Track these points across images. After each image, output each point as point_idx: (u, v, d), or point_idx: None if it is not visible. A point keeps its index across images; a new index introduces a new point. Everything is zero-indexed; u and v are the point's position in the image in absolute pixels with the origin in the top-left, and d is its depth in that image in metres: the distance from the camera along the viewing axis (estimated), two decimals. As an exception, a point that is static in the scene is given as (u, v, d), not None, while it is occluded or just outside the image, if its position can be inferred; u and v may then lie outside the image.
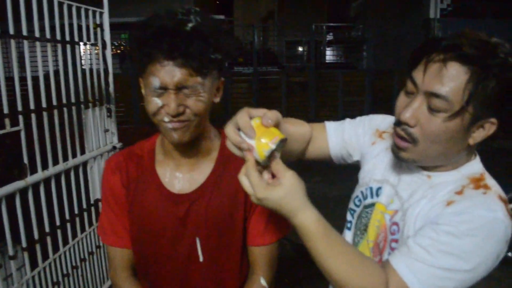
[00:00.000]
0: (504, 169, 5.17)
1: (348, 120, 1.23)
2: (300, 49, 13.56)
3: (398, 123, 0.93)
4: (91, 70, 2.49)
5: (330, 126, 1.21)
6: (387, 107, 1.21)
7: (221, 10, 9.84)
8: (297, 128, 1.13)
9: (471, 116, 0.85)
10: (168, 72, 0.93)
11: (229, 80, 9.59)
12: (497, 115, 0.86)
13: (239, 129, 0.81)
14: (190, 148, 1.10)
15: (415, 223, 0.95)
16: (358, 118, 1.22)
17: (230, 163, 1.13)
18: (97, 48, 2.53)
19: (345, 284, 0.88)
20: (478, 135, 0.89)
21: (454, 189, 0.93)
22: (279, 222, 1.16)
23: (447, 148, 0.90)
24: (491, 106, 0.85)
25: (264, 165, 0.83)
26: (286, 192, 0.82)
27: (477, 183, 0.92)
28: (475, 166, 0.97)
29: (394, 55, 9.13)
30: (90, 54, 2.50)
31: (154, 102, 0.97)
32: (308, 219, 0.85)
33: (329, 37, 13.37)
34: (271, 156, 0.82)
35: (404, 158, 0.95)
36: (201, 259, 1.12)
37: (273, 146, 0.79)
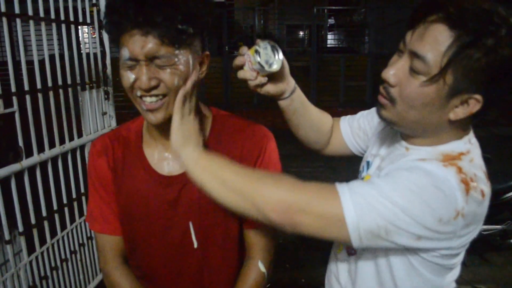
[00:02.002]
0: (508, 157, 5.15)
1: (360, 112, 1.25)
2: (301, 33, 13.43)
3: (381, 81, 0.91)
4: (88, 52, 2.43)
5: (344, 119, 1.25)
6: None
7: (221, -7, 9.71)
8: (319, 113, 1.19)
9: (450, 86, 0.80)
10: (137, 42, 0.87)
11: (229, 65, 9.50)
12: (483, 92, 0.80)
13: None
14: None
15: None
16: (372, 109, 1.20)
17: (223, 142, 1.07)
18: (92, 27, 2.46)
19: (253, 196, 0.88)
20: (461, 111, 0.83)
21: (419, 157, 0.89)
22: None
23: (424, 116, 0.86)
24: (475, 80, 0.78)
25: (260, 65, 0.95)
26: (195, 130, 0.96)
27: (447, 159, 0.86)
28: (458, 144, 0.90)
29: (396, 39, 9.00)
30: (87, 34, 2.43)
31: (127, 76, 0.91)
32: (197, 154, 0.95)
33: (331, 21, 13.23)
34: (262, 55, 0.95)
35: (383, 117, 0.93)
36: (195, 245, 1.07)
37: (259, 43, 0.95)
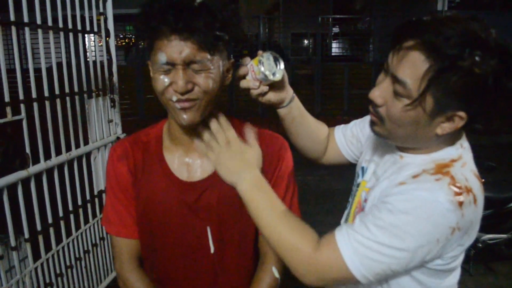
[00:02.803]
0: (508, 165, 5.12)
1: (354, 121, 1.28)
2: (306, 42, 13.47)
3: (369, 100, 0.94)
4: (94, 60, 2.46)
5: (338, 128, 1.28)
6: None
7: (226, 1, 9.75)
8: (316, 122, 1.23)
9: (433, 106, 0.83)
10: (175, 47, 0.90)
11: (234, 73, 9.55)
12: (465, 109, 0.83)
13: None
14: (199, 131, 1.05)
15: (373, 202, 0.97)
16: (365, 117, 1.24)
17: None
18: (99, 35, 2.48)
19: (277, 237, 0.93)
20: (448, 126, 0.87)
21: (413, 173, 0.91)
22: (291, 209, 1.13)
23: (412, 132, 0.89)
24: (456, 99, 0.81)
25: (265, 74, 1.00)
26: (254, 155, 0.98)
27: (440, 169, 0.89)
28: (450, 151, 0.93)
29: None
30: (93, 42, 2.46)
31: (161, 80, 0.93)
32: (244, 185, 0.97)
33: (335, 29, 13.28)
34: (265, 65, 1.00)
35: (376, 132, 0.97)
36: (212, 250, 1.08)
37: (263, 54, 1.00)
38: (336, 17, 11.71)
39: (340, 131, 1.27)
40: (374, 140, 1.12)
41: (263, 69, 0.99)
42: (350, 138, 1.24)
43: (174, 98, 0.94)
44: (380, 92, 0.90)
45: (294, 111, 1.15)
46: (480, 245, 3.33)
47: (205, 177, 1.07)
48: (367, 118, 1.19)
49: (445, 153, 0.93)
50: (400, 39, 0.86)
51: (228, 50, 1.00)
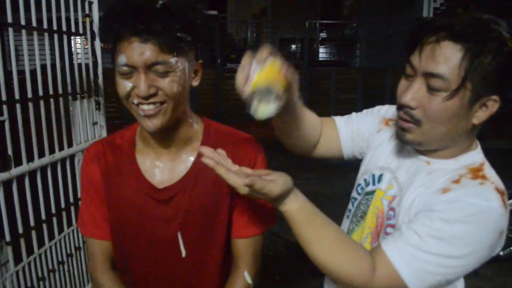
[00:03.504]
0: (496, 170, 5.20)
1: (354, 113, 1.23)
2: (294, 47, 13.53)
3: (400, 107, 0.93)
4: (80, 62, 2.44)
5: (340, 120, 1.22)
6: (379, 105, 1.21)
7: (214, 6, 9.77)
8: (309, 113, 1.13)
9: (471, 94, 0.85)
10: (135, 49, 0.89)
11: (221, 77, 9.53)
12: (499, 92, 0.86)
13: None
14: (168, 136, 1.05)
15: (410, 209, 0.95)
16: (365, 110, 1.22)
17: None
18: (85, 37, 2.46)
19: (330, 268, 0.90)
20: (482, 113, 0.88)
21: (451, 178, 0.92)
22: (264, 214, 1.13)
23: (451, 128, 0.89)
24: (490, 82, 0.84)
25: (247, 102, 0.81)
26: (282, 186, 0.85)
27: (475, 173, 0.91)
28: (475, 156, 0.96)
29: (386, 53, 9.13)
30: (79, 44, 2.44)
31: (123, 84, 0.93)
32: (292, 207, 0.88)
33: (323, 35, 13.36)
34: (257, 97, 0.80)
35: (409, 140, 0.95)
36: (183, 254, 1.08)
37: (265, 86, 0.78)
38: (323, 22, 11.80)
39: (347, 125, 1.20)
40: (389, 147, 1.10)
41: (253, 103, 0.83)
42: (352, 134, 1.19)
43: (135, 101, 0.92)
44: (413, 94, 0.89)
45: (296, 110, 1.05)
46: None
47: (176, 181, 1.06)
48: (369, 115, 1.18)
49: (472, 157, 0.95)
50: (421, 38, 0.88)
51: (195, 52, 0.99)
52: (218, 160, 0.86)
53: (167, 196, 1.06)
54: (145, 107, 0.93)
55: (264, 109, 0.83)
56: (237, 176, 0.83)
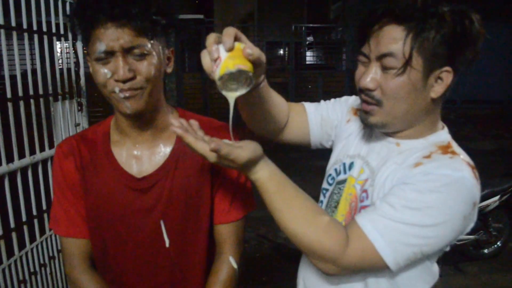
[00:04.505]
0: (480, 170, 5.26)
1: (323, 101, 1.24)
2: (281, 52, 13.59)
3: (361, 91, 0.96)
4: (61, 63, 2.42)
5: (309, 105, 1.22)
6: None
7: (201, 10, 9.77)
8: (277, 95, 1.13)
9: (422, 68, 0.88)
10: (112, 34, 0.90)
11: (208, 81, 9.52)
12: (450, 63, 0.89)
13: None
14: (145, 122, 1.05)
15: (384, 186, 0.96)
16: (333, 99, 1.23)
17: None
18: (66, 39, 2.45)
19: (300, 239, 0.90)
20: (439, 86, 0.92)
21: (422, 154, 0.94)
22: (245, 198, 1.14)
23: (410, 103, 0.92)
24: (439, 55, 0.88)
25: (218, 86, 0.82)
26: (250, 152, 0.85)
27: (445, 149, 0.94)
28: (444, 135, 1.00)
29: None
30: (60, 45, 2.42)
31: (102, 72, 0.93)
32: (263, 175, 0.89)
33: (309, 39, 13.44)
34: (227, 81, 0.81)
35: (373, 123, 0.97)
36: (167, 244, 1.07)
37: (234, 70, 0.79)
38: (310, 26, 11.89)
39: (316, 111, 1.20)
40: (357, 135, 1.12)
41: (221, 82, 0.82)
42: (322, 121, 1.19)
43: (117, 90, 0.93)
44: (369, 77, 0.93)
45: (262, 91, 1.03)
46: (449, 247, 3.40)
47: (155, 169, 1.06)
48: (337, 105, 1.20)
49: (440, 136, 0.99)
50: (368, 28, 0.93)
51: (166, 37, 1.00)
52: (187, 129, 0.85)
53: (147, 185, 1.05)
54: (124, 92, 0.94)
55: (234, 91, 0.84)
56: (205, 143, 0.83)
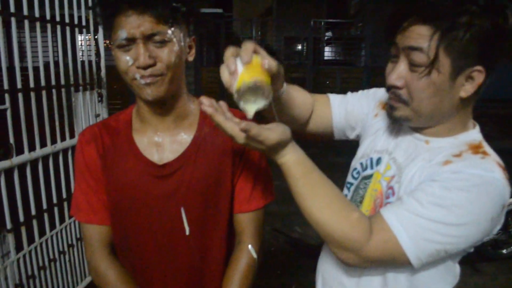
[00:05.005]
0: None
1: (350, 93, 1.22)
2: (299, 47, 13.53)
3: (388, 88, 0.94)
4: (82, 55, 2.46)
5: (334, 97, 1.21)
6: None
7: (220, 4, 9.78)
8: (299, 94, 1.12)
9: (451, 67, 0.85)
10: (134, 22, 0.92)
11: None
12: (481, 62, 0.86)
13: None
14: (166, 110, 1.06)
15: (411, 183, 0.94)
16: (361, 91, 1.21)
17: (213, 128, 1.08)
18: (88, 30, 2.48)
19: (323, 226, 0.88)
20: (469, 86, 0.88)
21: (452, 153, 0.91)
22: (265, 187, 1.14)
23: (438, 103, 0.89)
24: (469, 54, 0.84)
25: (236, 99, 0.82)
26: (279, 134, 0.84)
27: (476, 149, 0.91)
28: (474, 135, 0.96)
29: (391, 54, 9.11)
30: (82, 37, 2.46)
31: (124, 59, 0.95)
32: (290, 159, 0.87)
33: (328, 34, 13.35)
34: (245, 94, 0.81)
35: (397, 116, 0.95)
36: (187, 231, 1.08)
37: (250, 82, 0.79)
38: (329, 21, 11.79)
39: (341, 104, 1.19)
40: (385, 131, 1.10)
41: (241, 100, 0.83)
42: (346, 114, 1.18)
43: (138, 76, 0.95)
44: (397, 74, 0.91)
45: (284, 99, 1.05)
46: (473, 248, 3.34)
47: (176, 157, 1.07)
48: (366, 102, 1.17)
49: (471, 135, 0.95)
50: (396, 25, 0.90)
51: (187, 25, 1.01)
52: (217, 108, 0.84)
53: (168, 172, 1.06)
54: (145, 79, 0.96)
55: (252, 105, 0.84)
56: (234, 123, 0.82)
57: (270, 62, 0.82)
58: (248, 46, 0.81)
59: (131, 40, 0.93)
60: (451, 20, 0.82)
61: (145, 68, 0.93)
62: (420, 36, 0.85)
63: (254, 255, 1.11)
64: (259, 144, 0.83)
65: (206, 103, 0.82)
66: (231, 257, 1.13)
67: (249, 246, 1.11)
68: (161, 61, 0.95)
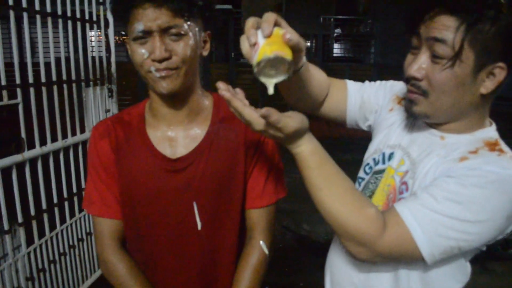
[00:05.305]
0: None
1: (368, 82, 1.20)
2: (308, 44, 13.49)
3: (407, 80, 0.93)
4: (93, 50, 2.47)
5: (352, 84, 1.19)
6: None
7: (229, 0, 9.75)
8: (318, 73, 1.10)
9: (474, 62, 0.84)
10: (150, 15, 0.92)
11: (234, 72, 9.54)
12: (504, 59, 0.84)
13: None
14: (180, 104, 1.06)
15: (425, 178, 0.92)
16: (379, 82, 1.19)
17: (226, 122, 1.09)
18: (99, 26, 2.49)
19: (336, 218, 0.87)
20: (490, 82, 0.87)
21: (467, 149, 0.90)
22: (278, 183, 1.14)
23: (457, 97, 0.88)
24: (493, 49, 0.83)
25: (255, 72, 0.80)
26: (298, 123, 0.82)
27: (492, 146, 0.90)
28: (492, 132, 0.95)
29: (401, 50, 9.06)
30: (93, 33, 2.47)
31: (139, 52, 0.95)
32: (306, 148, 0.86)
33: (337, 31, 13.30)
34: (265, 67, 0.79)
35: (416, 112, 0.93)
36: (199, 226, 1.08)
37: (271, 56, 0.76)
38: (338, 18, 11.73)
39: (358, 92, 1.17)
40: (399, 125, 1.09)
41: (261, 71, 0.81)
42: (362, 103, 1.16)
43: (153, 69, 0.95)
44: (418, 65, 0.89)
45: (303, 74, 1.00)
46: (485, 246, 3.33)
47: (189, 151, 1.07)
48: (383, 93, 1.16)
49: (488, 133, 0.94)
50: (420, 16, 0.88)
51: (203, 20, 1.02)
52: (234, 94, 0.83)
53: (181, 166, 1.06)
54: (160, 72, 0.96)
55: (272, 79, 0.82)
56: (252, 109, 0.81)
57: (292, 35, 0.79)
58: (270, 17, 0.78)
59: (147, 33, 0.93)
60: (478, 12, 0.81)
61: (160, 61, 0.94)
62: (446, 27, 0.83)
63: (266, 251, 1.11)
64: (277, 131, 0.82)
65: (223, 87, 0.81)
66: (242, 252, 1.13)
67: (261, 242, 1.11)
68: (176, 55, 0.95)
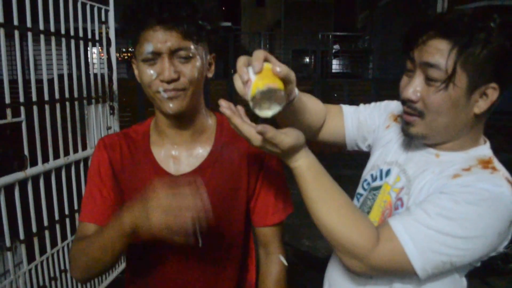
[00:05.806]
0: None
1: (362, 104, 1.24)
2: (307, 59, 13.60)
3: (403, 102, 0.95)
4: (95, 68, 2.50)
5: (347, 108, 1.22)
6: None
7: (228, 18, 9.88)
8: (312, 101, 1.14)
9: (467, 83, 0.87)
10: (160, 37, 0.95)
11: (234, 87, 9.58)
12: (496, 80, 0.87)
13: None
14: (185, 124, 1.08)
15: (420, 194, 0.95)
16: (373, 103, 1.23)
17: (229, 141, 1.11)
18: (101, 44, 2.53)
19: (331, 230, 0.90)
20: (483, 102, 0.90)
21: (461, 167, 0.92)
22: (285, 199, 1.16)
23: (452, 118, 0.91)
24: (485, 71, 0.86)
25: (251, 107, 0.84)
26: (294, 139, 0.86)
27: (486, 164, 0.92)
28: (485, 150, 0.97)
29: (399, 66, 9.15)
30: (95, 50, 2.51)
31: (148, 73, 0.97)
32: (303, 163, 0.89)
33: (336, 47, 13.42)
34: (259, 100, 0.82)
35: (413, 133, 0.96)
36: (200, 243, 1.08)
37: (264, 88, 0.80)
38: (336, 34, 11.86)
39: (353, 115, 1.20)
40: (396, 142, 1.11)
41: (254, 105, 0.84)
42: (359, 125, 1.19)
43: (161, 89, 0.97)
44: (413, 88, 0.92)
45: (296, 105, 1.04)
46: (479, 262, 3.31)
47: (193, 169, 1.08)
48: (378, 113, 1.19)
49: (481, 151, 0.97)
50: (415, 38, 0.92)
51: (209, 43, 1.04)
52: (235, 111, 0.87)
53: (183, 184, 1.07)
54: (168, 92, 0.98)
55: (267, 111, 0.86)
56: (251, 127, 0.84)
57: (281, 68, 0.83)
58: (259, 54, 0.83)
59: (156, 54, 0.96)
60: (469, 35, 0.84)
61: (169, 82, 0.96)
62: (438, 50, 0.87)
63: (285, 263, 1.15)
64: (273, 147, 0.86)
65: (225, 105, 0.85)
66: (261, 269, 1.16)
67: (280, 256, 1.15)
68: (184, 76, 0.98)
